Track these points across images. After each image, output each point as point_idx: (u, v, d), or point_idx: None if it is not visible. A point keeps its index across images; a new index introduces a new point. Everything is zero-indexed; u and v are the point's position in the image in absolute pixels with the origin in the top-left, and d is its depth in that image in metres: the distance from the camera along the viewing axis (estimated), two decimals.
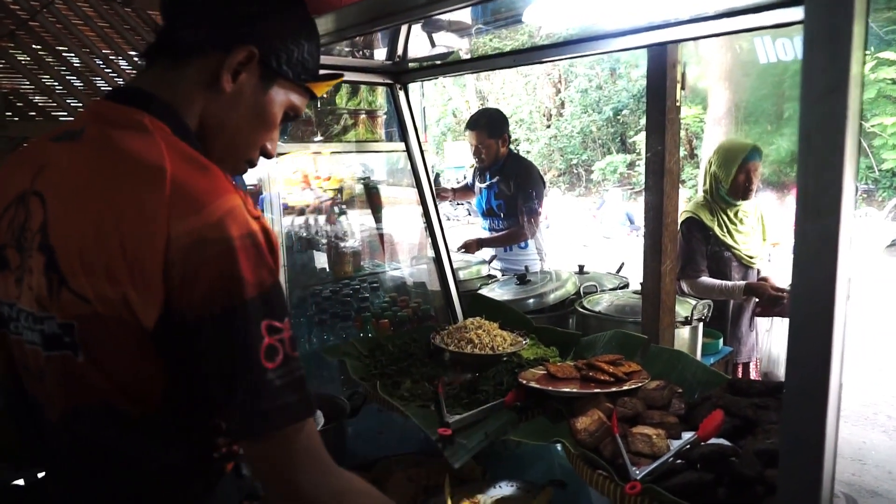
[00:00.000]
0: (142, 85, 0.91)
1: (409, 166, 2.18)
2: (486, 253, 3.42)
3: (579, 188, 17.16)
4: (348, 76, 1.91)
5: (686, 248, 2.81)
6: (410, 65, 1.99)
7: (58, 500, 0.92)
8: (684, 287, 2.82)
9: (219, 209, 0.77)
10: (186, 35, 0.91)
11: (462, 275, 2.65)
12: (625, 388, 1.40)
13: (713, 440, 1.14)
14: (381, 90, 2.91)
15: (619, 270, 2.89)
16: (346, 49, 2.44)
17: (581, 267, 2.81)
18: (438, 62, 2.11)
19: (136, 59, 2.26)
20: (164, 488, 0.89)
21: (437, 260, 2.23)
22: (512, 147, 3.57)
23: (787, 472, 0.64)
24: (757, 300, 2.80)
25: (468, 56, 2.05)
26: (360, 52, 2.50)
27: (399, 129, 2.14)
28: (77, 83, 2.22)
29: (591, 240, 11.77)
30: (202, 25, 0.91)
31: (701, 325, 2.24)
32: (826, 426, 0.60)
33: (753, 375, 2.96)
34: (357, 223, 2.95)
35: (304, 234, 2.88)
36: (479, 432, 1.39)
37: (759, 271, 2.93)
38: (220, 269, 0.75)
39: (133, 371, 0.81)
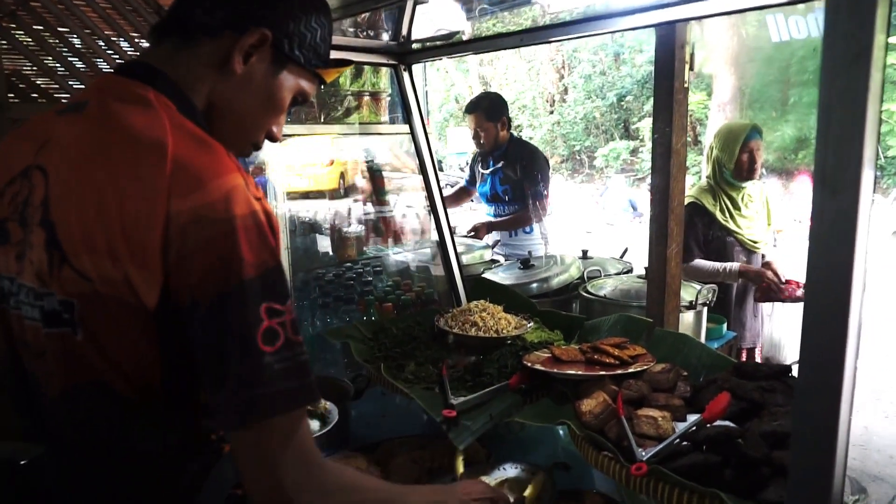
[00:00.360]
0: (150, 61, 0.90)
1: (412, 149, 2.16)
2: (491, 237, 3.41)
3: (582, 174, 17.07)
4: (353, 56, 1.89)
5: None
6: (415, 46, 1.97)
7: (55, 477, 0.91)
8: None
9: (220, 188, 0.75)
10: (199, 15, 0.90)
11: (465, 259, 2.64)
12: (630, 370, 1.40)
13: (719, 422, 1.14)
14: (385, 73, 2.88)
15: (622, 255, 2.88)
16: (351, 29, 2.42)
17: (585, 252, 2.80)
18: (443, 42, 2.09)
19: (137, 40, 2.24)
20: (160, 468, 0.89)
21: (441, 244, 2.22)
22: (514, 133, 3.55)
23: (798, 459, 0.63)
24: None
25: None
26: (364, 33, 2.48)
27: (403, 110, 2.12)
28: (79, 64, 2.20)
29: (594, 226, 11.73)
30: (216, 6, 0.90)
31: (705, 309, 2.23)
32: (840, 411, 0.59)
33: (759, 360, 2.96)
34: (360, 206, 2.93)
35: (307, 218, 2.86)
36: (483, 414, 1.39)
37: (763, 256, 2.91)
38: (220, 249, 0.74)
39: (133, 352, 0.81)
